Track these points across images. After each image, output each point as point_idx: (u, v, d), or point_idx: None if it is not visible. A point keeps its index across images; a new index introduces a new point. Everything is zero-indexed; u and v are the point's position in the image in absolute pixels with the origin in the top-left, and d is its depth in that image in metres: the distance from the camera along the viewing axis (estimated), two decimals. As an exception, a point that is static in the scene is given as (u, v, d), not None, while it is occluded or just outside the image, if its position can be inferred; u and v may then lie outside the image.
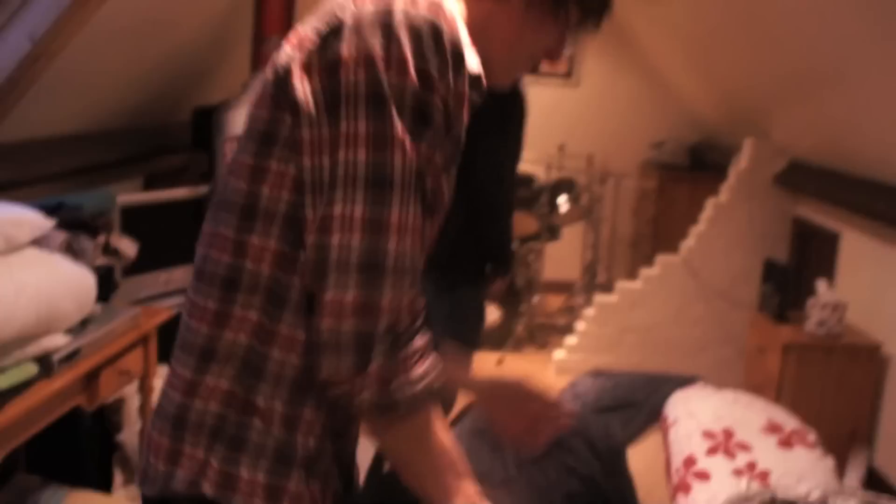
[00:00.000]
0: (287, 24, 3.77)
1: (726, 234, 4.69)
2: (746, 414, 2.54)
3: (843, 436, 3.64)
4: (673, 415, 2.61)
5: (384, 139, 1.03)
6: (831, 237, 4.15)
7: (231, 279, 1.11)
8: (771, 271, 4.21)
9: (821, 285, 3.81)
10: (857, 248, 3.95)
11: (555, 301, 6.08)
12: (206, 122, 3.83)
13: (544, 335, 5.63)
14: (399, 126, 1.03)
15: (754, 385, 3.99)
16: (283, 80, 1.08)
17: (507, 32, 1.19)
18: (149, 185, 3.71)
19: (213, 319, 1.12)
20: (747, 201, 4.66)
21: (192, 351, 1.14)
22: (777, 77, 3.40)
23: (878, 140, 3.48)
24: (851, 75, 3.24)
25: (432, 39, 1.04)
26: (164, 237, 3.53)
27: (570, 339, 5.06)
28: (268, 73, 1.12)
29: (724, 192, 4.71)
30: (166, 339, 2.84)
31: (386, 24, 1.04)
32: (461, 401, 2.30)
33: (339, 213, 1.03)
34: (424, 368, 1.08)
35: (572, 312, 5.79)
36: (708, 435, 2.42)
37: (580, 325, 5.08)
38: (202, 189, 3.71)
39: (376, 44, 1.03)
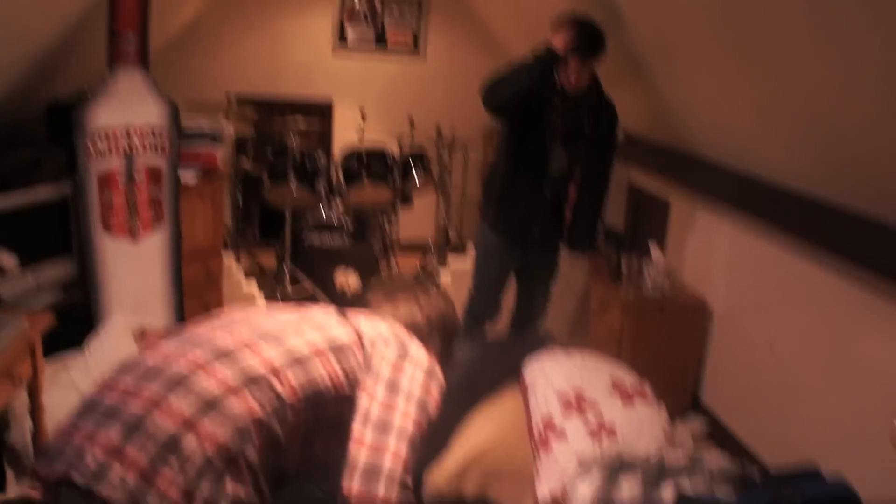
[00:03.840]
0: (142, 18, 3.80)
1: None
2: (593, 375, 2.86)
3: (676, 381, 4.11)
4: (531, 379, 2.89)
5: None
6: (663, 205, 4.57)
7: None
8: (609, 236, 4.60)
9: (653, 249, 4.22)
10: (685, 216, 4.38)
11: (411, 262, 6.35)
12: (62, 116, 3.84)
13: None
14: None
15: (599, 339, 4.40)
16: None
17: None
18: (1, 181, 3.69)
19: None
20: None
21: None
22: (613, 57, 3.72)
23: (703, 120, 3.86)
24: (679, 59, 3.58)
25: None
26: (28, 236, 3.58)
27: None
28: None
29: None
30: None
31: None
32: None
33: None
34: None
35: (428, 273, 6.08)
36: (562, 396, 2.72)
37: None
38: (64, 187, 3.75)
39: None
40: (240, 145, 6.01)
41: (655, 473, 2.10)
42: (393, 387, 1.81)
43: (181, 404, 1.55)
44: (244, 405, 1.58)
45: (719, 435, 3.93)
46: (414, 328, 2.09)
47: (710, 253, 4.13)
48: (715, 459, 2.16)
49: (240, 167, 5.91)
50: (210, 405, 1.56)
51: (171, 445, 1.49)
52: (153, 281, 4.12)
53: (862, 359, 3.00)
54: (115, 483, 1.43)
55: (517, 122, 3.77)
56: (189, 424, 1.52)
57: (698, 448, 2.36)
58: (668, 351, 4.10)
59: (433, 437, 2.60)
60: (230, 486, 1.49)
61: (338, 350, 1.80)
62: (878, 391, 2.91)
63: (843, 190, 2.95)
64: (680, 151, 4.28)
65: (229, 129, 5.01)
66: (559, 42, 3.56)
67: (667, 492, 2.02)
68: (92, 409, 1.57)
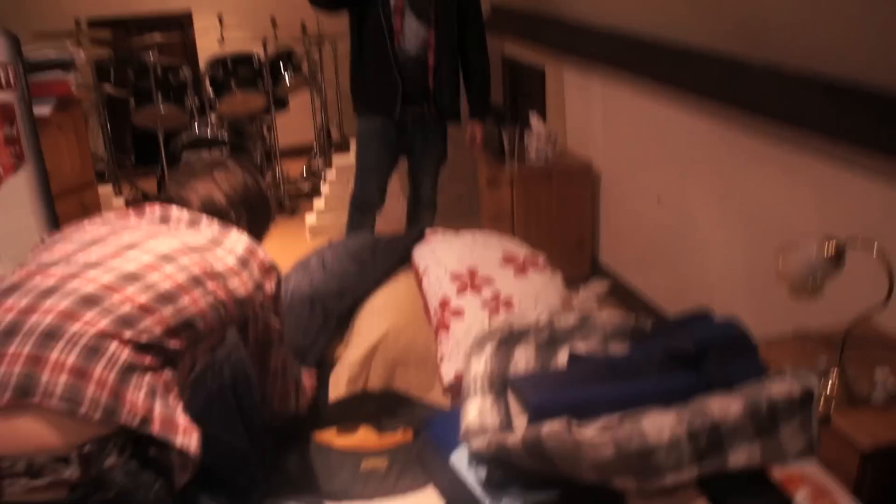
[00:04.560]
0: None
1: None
2: (484, 251, 2.86)
3: (574, 249, 4.17)
4: (423, 264, 2.88)
5: None
6: (538, 74, 4.54)
7: None
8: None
9: (533, 119, 4.21)
10: (560, 82, 4.37)
11: (296, 167, 6.23)
12: None
13: (293, 202, 5.80)
14: None
15: (490, 216, 4.42)
16: None
17: None
18: None
19: None
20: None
21: None
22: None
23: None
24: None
25: None
26: None
27: (318, 203, 5.27)
28: None
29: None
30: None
31: None
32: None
33: None
34: None
35: (315, 175, 5.98)
36: (455, 276, 2.72)
37: (325, 188, 5.29)
38: None
39: None
40: (100, 71, 5.72)
41: (547, 339, 2.13)
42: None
43: (58, 303, 1.48)
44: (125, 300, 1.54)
45: (621, 294, 4.03)
46: (215, 210, 1.97)
47: (589, 115, 4.14)
48: (608, 317, 2.20)
49: (103, 94, 5.63)
50: (89, 300, 1.51)
51: (53, 334, 1.43)
52: (26, 223, 3.93)
53: (745, 199, 3.08)
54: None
55: (353, 7, 3.83)
56: (69, 315, 1.46)
57: (598, 309, 2.39)
58: (561, 219, 4.15)
59: (325, 331, 2.62)
60: (128, 356, 1.46)
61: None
62: (763, 230, 3.00)
63: (713, 34, 2.97)
64: (551, 18, 4.23)
65: (80, 55, 4.74)
66: None
67: (561, 356, 2.05)
68: None
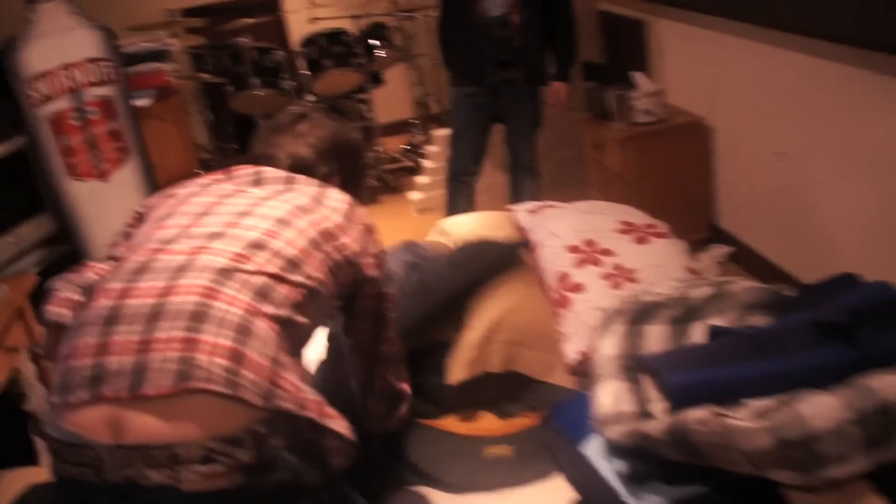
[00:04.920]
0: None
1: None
2: (601, 221, 2.71)
3: (690, 213, 3.96)
4: (537, 238, 2.75)
5: None
6: (638, 26, 4.33)
7: None
8: (590, 71, 4.38)
9: (638, 77, 4.01)
10: (664, 34, 4.15)
11: (396, 143, 6.16)
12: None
13: (396, 179, 5.73)
14: None
15: (598, 181, 4.24)
16: None
17: None
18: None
19: None
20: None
21: None
22: None
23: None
24: None
25: None
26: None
27: (422, 179, 5.18)
28: None
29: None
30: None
31: None
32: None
33: None
34: None
35: (416, 151, 5.89)
36: (572, 249, 2.58)
37: (427, 163, 5.20)
38: (18, 141, 3.54)
39: None
40: (196, 60, 5.74)
41: (680, 314, 1.97)
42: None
43: (195, 281, 1.45)
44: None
45: (745, 257, 3.81)
46: (303, 165, 1.86)
47: (697, 68, 3.92)
48: (744, 287, 2.02)
49: (200, 82, 5.66)
50: (224, 273, 1.48)
51: (201, 315, 1.39)
52: (135, 217, 3.96)
53: (874, 146, 2.83)
54: (158, 368, 1.33)
55: None
56: (210, 293, 1.43)
57: (726, 277, 2.21)
58: (675, 181, 3.95)
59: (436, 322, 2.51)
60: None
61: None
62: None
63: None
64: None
65: (174, 45, 4.76)
66: None
67: (697, 332, 1.89)
68: (87, 323, 1.42)
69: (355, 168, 2.01)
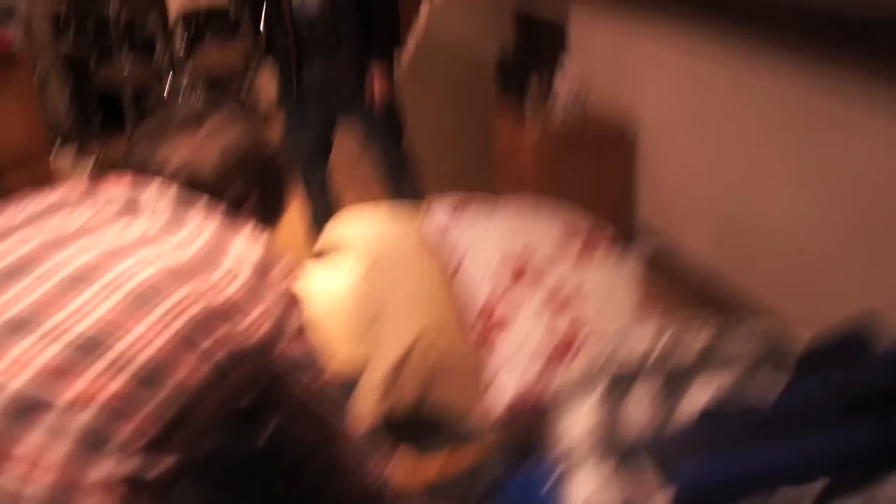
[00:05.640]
0: None
1: (444, 40, 4.42)
2: (538, 229, 2.36)
3: (608, 206, 3.66)
4: (457, 250, 2.33)
5: None
6: (557, 28, 4.12)
7: None
8: (505, 72, 4.14)
9: (557, 78, 3.79)
10: (583, 34, 3.96)
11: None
12: None
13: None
14: None
15: (510, 185, 3.96)
16: None
17: None
18: None
19: None
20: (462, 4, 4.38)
21: None
22: None
23: None
24: None
25: None
26: None
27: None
28: None
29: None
30: None
31: None
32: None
33: None
34: None
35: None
36: (502, 265, 2.20)
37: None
38: None
39: None
40: (57, 25, 5.16)
41: (667, 378, 1.53)
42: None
43: None
44: None
45: (669, 257, 3.57)
46: (199, 183, 1.31)
47: (623, 71, 3.72)
48: (741, 343, 1.61)
49: (61, 51, 5.08)
50: (24, 409, 0.96)
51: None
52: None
53: (810, 151, 2.68)
54: None
55: None
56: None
57: (712, 327, 1.76)
58: (595, 185, 3.69)
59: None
60: None
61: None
62: (843, 189, 2.57)
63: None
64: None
65: (21, 4, 4.15)
66: None
67: (691, 400, 1.47)
68: None
69: (272, 194, 1.47)
